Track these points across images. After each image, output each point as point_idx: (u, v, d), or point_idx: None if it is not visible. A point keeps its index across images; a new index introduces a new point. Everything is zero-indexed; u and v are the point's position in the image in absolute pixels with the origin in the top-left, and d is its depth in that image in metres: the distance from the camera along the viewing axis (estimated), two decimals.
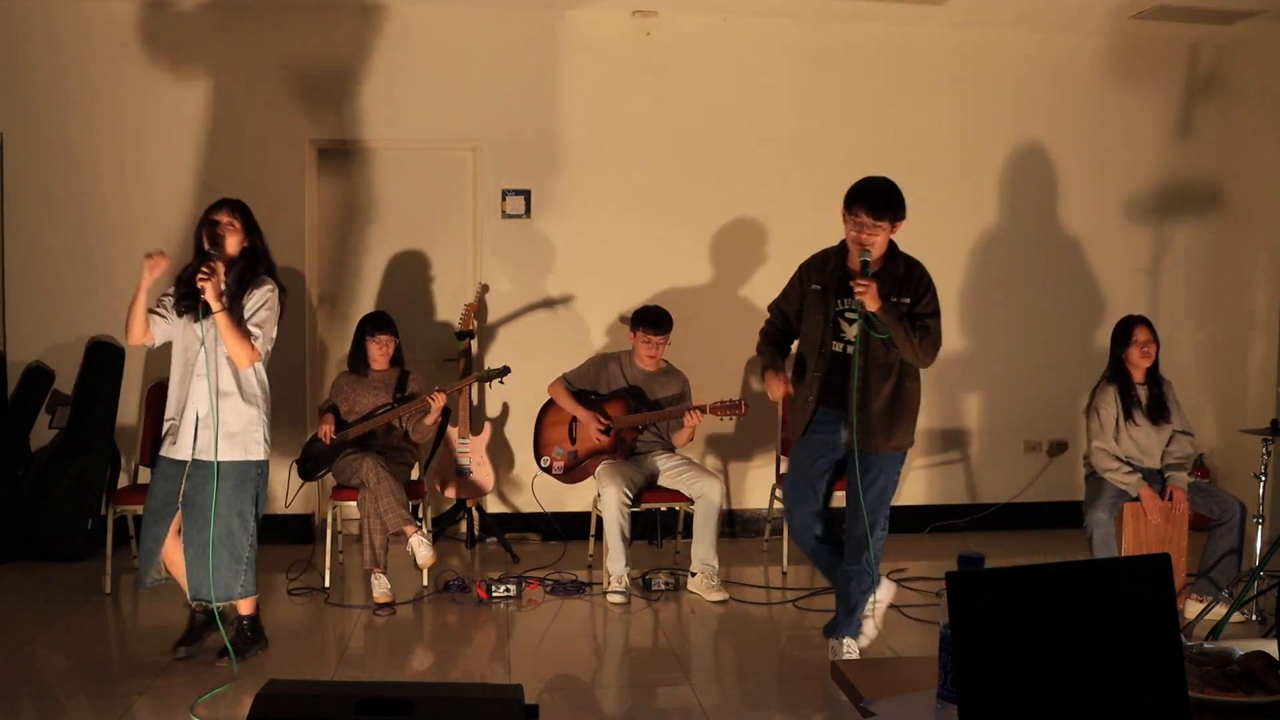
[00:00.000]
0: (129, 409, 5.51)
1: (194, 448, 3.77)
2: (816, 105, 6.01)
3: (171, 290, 3.87)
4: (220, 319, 3.70)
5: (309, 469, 5.00)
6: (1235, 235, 6.23)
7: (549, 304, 5.89)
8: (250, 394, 3.85)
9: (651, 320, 5.04)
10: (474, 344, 5.63)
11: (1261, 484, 4.52)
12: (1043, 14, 5.81)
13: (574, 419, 5.11)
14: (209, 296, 3.68)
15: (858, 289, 3.61)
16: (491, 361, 5.76)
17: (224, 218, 3.80)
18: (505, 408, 5.87)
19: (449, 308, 5.91)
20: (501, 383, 5.17)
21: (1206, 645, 1.89)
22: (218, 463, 3.75)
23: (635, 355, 5.10)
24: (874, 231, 3.69)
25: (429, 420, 4.95)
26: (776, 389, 3.91)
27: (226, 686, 3.64)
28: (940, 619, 1.57)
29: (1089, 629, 1.46)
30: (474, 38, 5.76)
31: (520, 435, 5.75)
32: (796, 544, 4.07)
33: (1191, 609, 4.38)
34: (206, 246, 3.75)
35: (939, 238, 6.10)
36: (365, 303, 5.78)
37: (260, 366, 3.88)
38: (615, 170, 5.89)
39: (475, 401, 5.81)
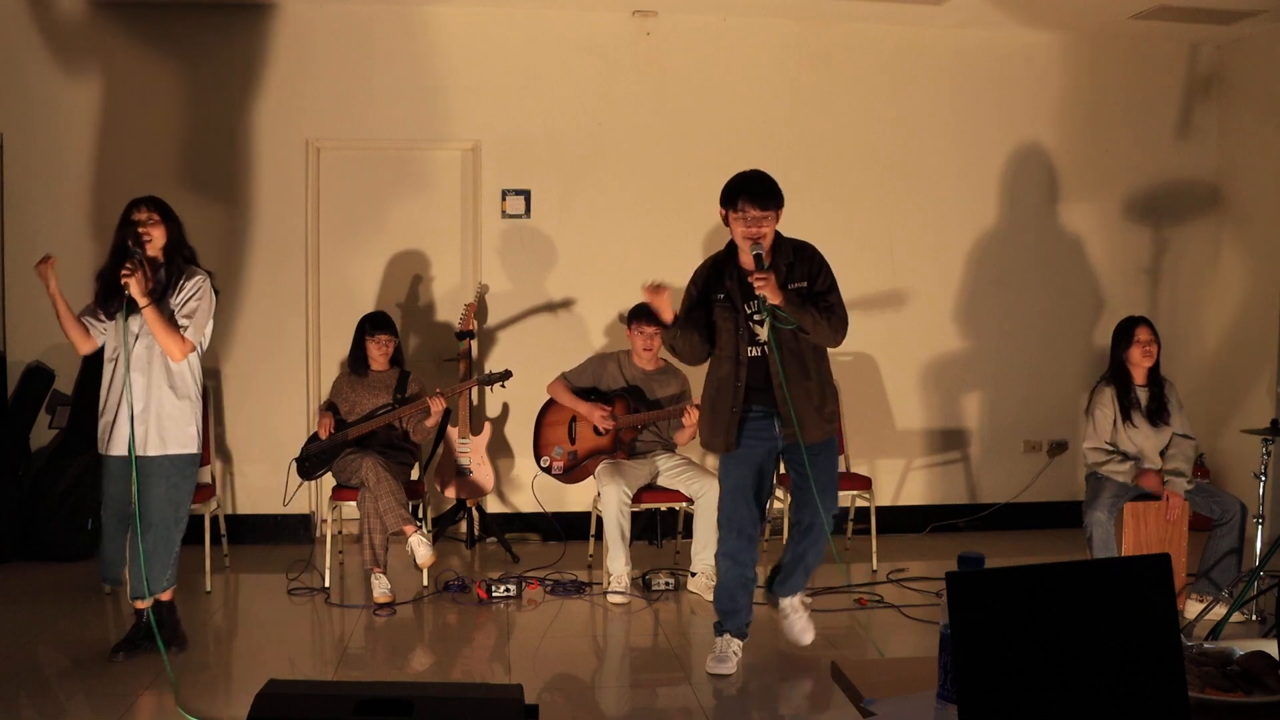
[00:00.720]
0: None
1: (130, 444, 3.78)
2: (816, 105, 6.01)
3: (93, 293, 3.89)
4: (148, 314, 3.72)
5: (309, 469, 5.00)
6: (1235, 235, 6.23)
7: (549, 304, 5.89)
8: (183, 387, 3.87)
9: (646, 313, 5.03)
10: (474, 344, 5.63)
11: (1261, 484, 4.52)
12: (1042, 14, 5.81)
13: (573, 419, 5.11)
14: (134, 293, 3.69)
15: (757, 284, 3.58)
16: (492, 362, 5.77)
17: (143, 215, 3.81)
18: (505, 408, 5.87)
19: (449, 308, 5.91)
20: (503, 386, 5.18)
21: (1206, 645, 1.88)
22: (141, 458, 3.80)
23: (633, 353, 5.10)
24: (762, 223, 3.67)
25: (429, 423, 4.95)
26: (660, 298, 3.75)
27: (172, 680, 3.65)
28: (940, 619, 1.57)
29: (1089, 629, 1.46)
30: (474, 38, 5.76)
31: (520, 435, 5.75)
32: (731, 561, 3.86)
33: (1191, 609, 4.38)
34: (131, 245, 3.75)
35: (938, 238, 6.12)
36: (365, 303, 5.77)
37: (194, 359, 3.89)
38: (615, 170, 5.89)
39: (475, 402, 5.81)
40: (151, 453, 3.82)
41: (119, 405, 3.81)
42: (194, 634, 4.27)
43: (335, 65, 5.69)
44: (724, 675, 3.86)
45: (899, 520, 6.06)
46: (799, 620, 3.99)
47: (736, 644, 3.92)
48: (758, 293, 3.59)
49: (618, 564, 4.80)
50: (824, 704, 3.66)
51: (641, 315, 5.04)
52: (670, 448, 5.17)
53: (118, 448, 3.83)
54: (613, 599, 4.76)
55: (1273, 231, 5.94)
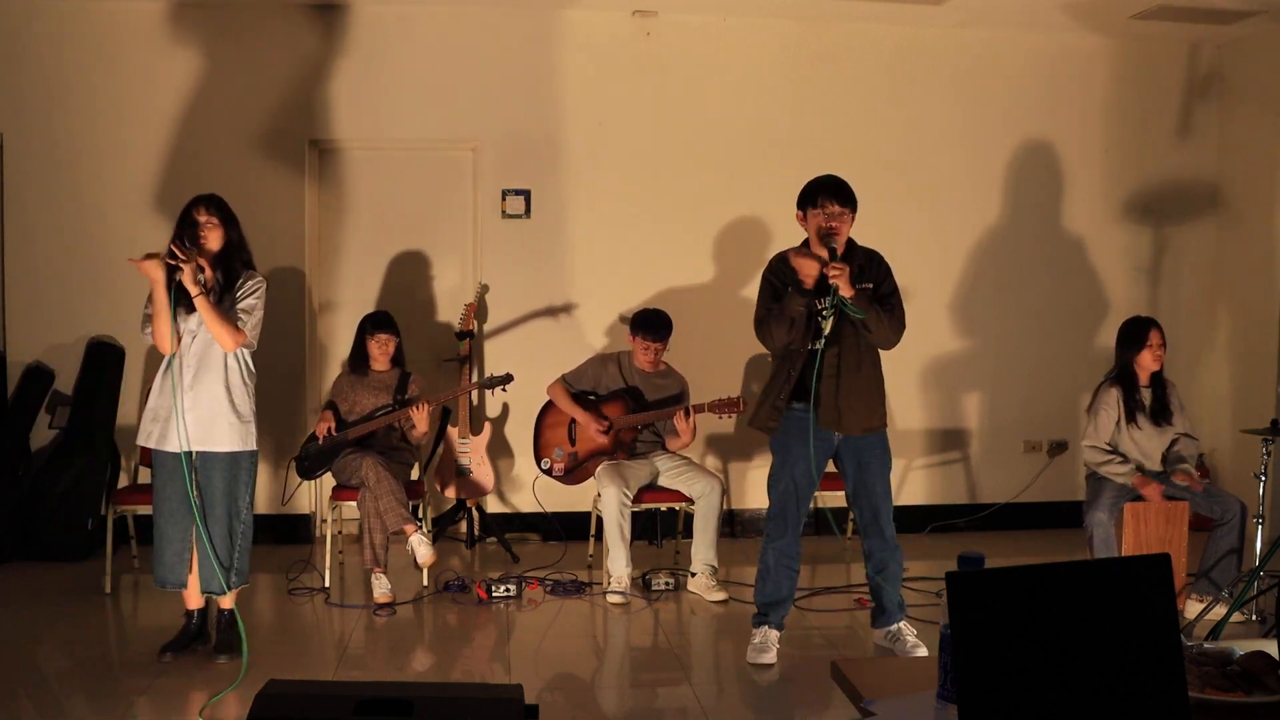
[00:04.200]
0: (129, 409, 5.50)
1: (187, 439, 3.77)
2: (816, 105, 6.01)
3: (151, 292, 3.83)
4: (200, 303, 3.71)
5: (308, 469, 5.00)
6: (1235, 235, 6.23)
7: (549, 304, 5.89)
8: (242, 384, 3.88)
9: (650, 325, 5.03)
10: (473, 344, 5.63)
11: (1261, 484, 4.52)
12: (1043, 14, 5.81)
13: (573, 420, 5.11)
14: (185, 281, 3.67)
15: (831, 273, 3.68)
16: (491, 362, 5.76)
17: (202, 216, 3.81)
18: (505, 408, 5.87)
19: (449, 308, 5.91)
20: (504, 390, 5.17)
21: (1206, 645, 1.89)
22: (218, 454, 3.81)
23: (634, 357, 5.10)
24: (842, 219, 3.85)
25: (415, 435, 4.95)
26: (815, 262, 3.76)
27: (235, 685, 3.64)
28: (940, 619, 1.57)
29: (1089, 629, 1.46)
30: (474, 38, 5.76)
31: (520, 435, 5.75)
32: (780, 555, 4.00)
33: (1191, 609, 4.38)
34: (185, 243, 3.72)
35: (939, 238, 6.12)
36: (365, 303, 5.77)
37: (249, 356, 3.90)
38: (615, 170, 5.89)
39: (475, 402, 5.81)
40: (211, 449, 3.81)
41: (174, 400, 3.78)
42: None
43: (336, 66, 5.69)
44: (768, 665, 3.95)
45: (899, 520, 5.96)
46: (910, 636, 4.10)
47: (775, 634, 4.04)
48: (831, 281, 3.69)
49: (618, 564, 4.80)
50: (824, 704, 3.66)
51: (644, 326, 5.03)
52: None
53: (171, 444, 3.80)
54: (613, 599, 4.75)
55: (1273, 231, 5.95)
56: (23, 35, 5.49)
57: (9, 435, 5.35)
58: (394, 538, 4.72)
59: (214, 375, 3.82)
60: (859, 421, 3.91)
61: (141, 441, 3.88)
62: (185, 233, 3.77)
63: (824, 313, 3.84)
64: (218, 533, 3.85)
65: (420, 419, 4.87)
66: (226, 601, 3.97)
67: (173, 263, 3.67)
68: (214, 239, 3.82)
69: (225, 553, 3.87)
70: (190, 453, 3.79)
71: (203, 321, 3.76)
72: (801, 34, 5.97)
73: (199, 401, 3.80)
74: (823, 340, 3.85)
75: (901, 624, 4.11)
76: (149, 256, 3.71)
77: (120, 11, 5.53)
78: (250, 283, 3.89)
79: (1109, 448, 4.55)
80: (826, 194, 3.86)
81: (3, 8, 5.46)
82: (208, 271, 3.77)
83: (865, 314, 3.76)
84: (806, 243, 3.94)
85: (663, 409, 5.05)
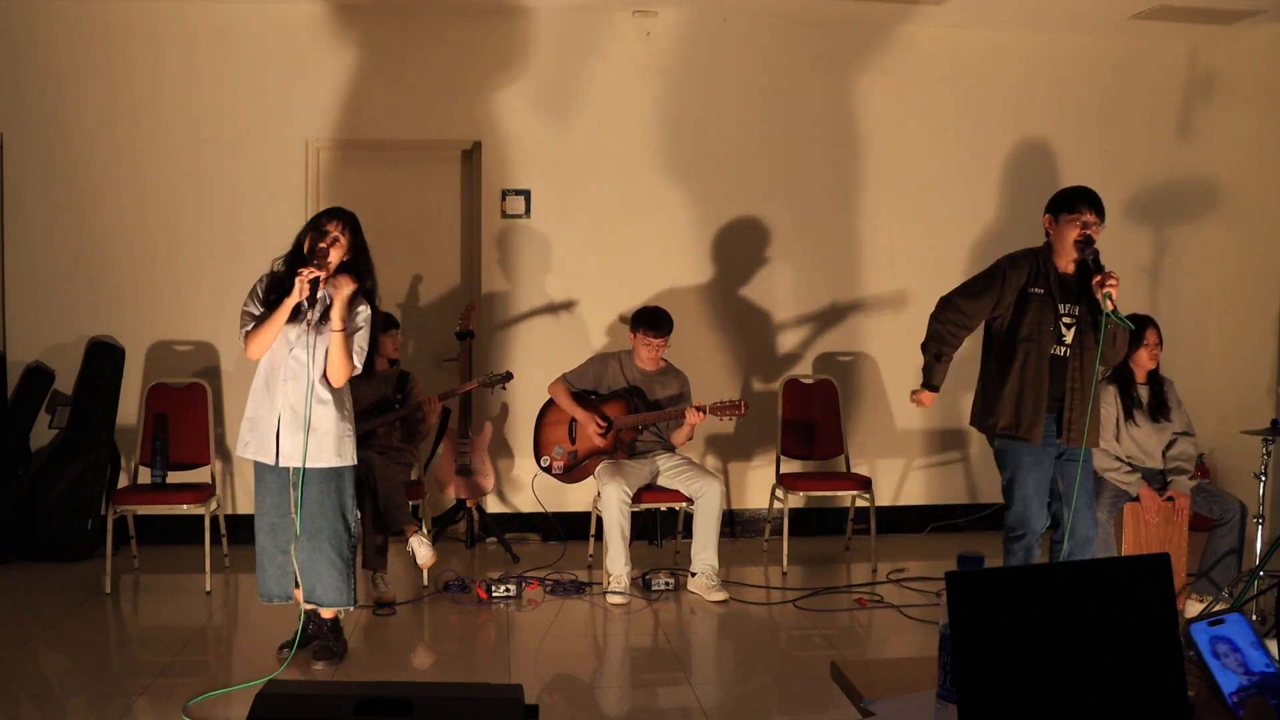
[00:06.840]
0: (129, 409, 5.50)
1: (280, 453, 3.71)
2: (816, 105, 6.01)
3: (260, 296, 3.77)
4: (337, 338, 3.65)
5: None
6: (1235, 235, 6.22)
7: (549, 304, 5.89)
8: (344, 399, 3.83)
9: (652, 322, 5.03)
10: (474, 344, 5.63)
11: (1261, 484, 4.51)
12: (1043, 14, 5.81)
13: (574, 419, 5.11)
14: (335, 312, 3.63)
15: (1109, 284, 3.76)
16: (491, 363, 5.76)
17: (334, 228, 3.74)
18: (505, 408, 5.87)
19: (449, 308, 5.91)
20: (504, 389, 5.16)
21: None
22: (317, 469, 3.75)
23: (635, 355, 5.10)
24: (1099, 230, 3.89)
25: (425, 429, 4.96)
26: (926, 402, 4.16)
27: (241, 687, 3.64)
28: (940, 619, 1.57)
29: (1089, 629, 1.46)
30: (474, 38, 5.76)
31: (520, 435, 5.75)
32: (1028, 554, 3.95)
33: (1191, 609, 4.38)
34: (315, 260, 3.65)
35: (939, 238, 6.12)
36: None
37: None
38: (615, 170, 5.88)
39: (475, 402, 5.80)
40: (311, 464, 3.73)
41: (271, 412, 3.72)
42: (194, 634, 4.27)
43: (335, 65, 5.69)
44: None
45: (899, 520, 6.06)
46: None
47: None
48: (1107, 290, 3.76)
49: (618, 564, 4.80)
50: (824, 704, 3.66)
51: (646, 323, 5.03)
52: (671, 448, 5.16)
53: (266, 455, 3.73)
54: (613, 599, 4.75)
55: (1273, 231, 5.94)
56: (23, 35, 5.49)
57: (9, 435, 5.35)
58: (394, 538, 4.72)
59: (314, 389, 3.73)
60: (1094, 435, 3.96)
61: (239, 451, 3.82)
62: (311, 242, 3.69)
63: (1066, 320, 3.88)
64: (322, 548, 3.76)
65: (433, 412, 4.92)
66: (328, 611, 3.94)
67: (311, 273, 3.61)
68: (335, 255, 3.71)
69: (334, 567, 3.79)
70: (297, 469, 3.71)
71: (327, 345, 3.70)
72: (801, 34, 5.97)
73: (298, 416, 3.71)
74: (1065, 349, 3.88)
75: None
76: (307, 271, 3.62)
77: (120, 12, 5.53)
78: (362, 313, 3.77)
79: (1119, 455, 4.54)
80: (1087, 203, 3.86)
81: (3, 8, 5.46)
82: (322, 281, 3.65)
83: (1132, 326, 3.82)
84: (1048, 245, 3.96)
85: (664, 410, 5.05)
